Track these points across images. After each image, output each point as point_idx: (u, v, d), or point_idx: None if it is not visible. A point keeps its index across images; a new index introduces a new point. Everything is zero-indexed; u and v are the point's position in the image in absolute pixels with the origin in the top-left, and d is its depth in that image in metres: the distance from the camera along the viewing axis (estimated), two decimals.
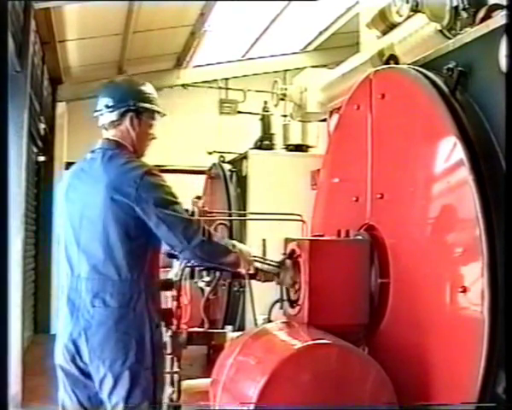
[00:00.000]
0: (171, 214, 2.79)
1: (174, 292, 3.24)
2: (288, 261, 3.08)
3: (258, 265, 3.06)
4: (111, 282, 2.80)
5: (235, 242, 3.05)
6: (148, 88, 3.08)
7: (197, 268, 3.27)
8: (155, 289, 2.93)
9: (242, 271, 3.05)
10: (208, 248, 2.84)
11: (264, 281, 3.36)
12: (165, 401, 3.13)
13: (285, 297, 3.13)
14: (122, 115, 2.96)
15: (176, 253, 3.01)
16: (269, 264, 3.10)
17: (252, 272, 3.05)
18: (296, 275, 3.02)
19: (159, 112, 3.08)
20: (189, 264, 3.10)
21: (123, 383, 2.76)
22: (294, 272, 3.04)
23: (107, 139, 2.98)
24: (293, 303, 3.03)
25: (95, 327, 2.79)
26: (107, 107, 2.97)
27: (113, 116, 2.97)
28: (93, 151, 2.99)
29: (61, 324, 2.92)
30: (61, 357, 2.89)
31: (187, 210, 2.96)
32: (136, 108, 2.97)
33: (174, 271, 3.29)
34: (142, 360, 2.78)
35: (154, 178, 2.85)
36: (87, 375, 2.85)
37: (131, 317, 2.79)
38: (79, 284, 2.85)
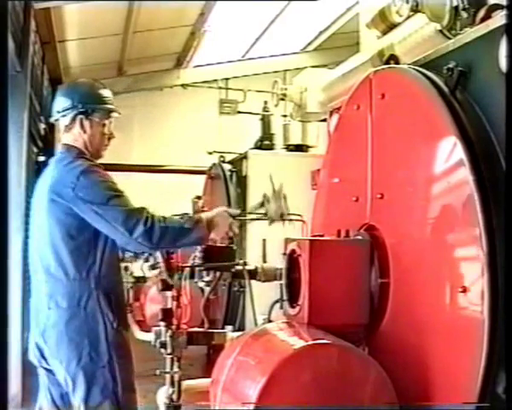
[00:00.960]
0: (109, 209, 2.78)
1: (174, 292, 3.24)
2: (268, 195, 3.06)
3: (236, 223, 3.04)
4: (61, 283, 2.83)
5: (202, 214, 3.00)
6: (96, 87, 3.08)
7: (197, 268, 3.27)
8: (111, 288, 2.91)
9: (217, 237, 3.02)
10: (154, 236, 2.78)
11: (265, 281, 3.36)
12: (165, 401, 3.13)
13: (285, 297, 3.13)
14: (73, 119, 2.98)
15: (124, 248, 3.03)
16: (254, 208, 3.04)
17: (234, 231, 3.03)
18: (283, 206, 2.99)
19: (110, 111, 3.06)
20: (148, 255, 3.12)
21: (80, 383, 2.79)
22: (279, 203, 3.00)
23: (62, 145, 3.03)
24: (292, 303, 3.03)
25: (50, 329, 2.83)
26: (58, 112, 3.01)
27: (66, 121, 3.00)
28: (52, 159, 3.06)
29: (31, 326, 2.99)
30: (32, 356, 2.97)
31: (126, 201, 2.87)
32: (85, 109, 2.97)
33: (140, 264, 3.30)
34: (96, 359, 2.79)
35: (91, 175, 2.85)
36: (56, 374, 2.91)
37: (82, 317, 2.81)
38: (39, 286, 2.91)
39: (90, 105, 2.98)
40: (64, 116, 3.00)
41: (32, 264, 3.00)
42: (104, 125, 3.04)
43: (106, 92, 3.08)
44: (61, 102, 3.02)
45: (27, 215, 7.41)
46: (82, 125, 2.98)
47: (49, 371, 2.93)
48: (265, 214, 3.03)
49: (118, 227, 2.77)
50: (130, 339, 3.06)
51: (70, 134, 3.01)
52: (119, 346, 2.87)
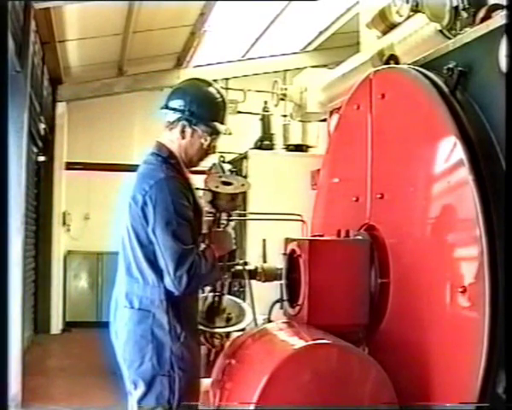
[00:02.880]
0: (164, 235, 2.70)
1: None
2: None
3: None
4: (137, 284, 2.80)
5: (203, 246, 2.91)
6: (214, 99, 2.90)
7: None
8: (182, 300, 2.79)
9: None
10: (188, 287, 2.72)
11: (265, 281, 3.36)
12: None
13: (285, 297, 3.13)
14: (178, 120, 2.86)
15: None
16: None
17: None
18: (233, 203, 3.02)
19: (215, 128, 2.89)
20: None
21: (138, 385, 2.77)
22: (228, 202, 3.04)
23: (157, 142, 2.92)
24: (292, 303, 3.03)
25: (122, 326, 2.84)
26: (166, 107, 2.90)
27: (171, 118, 2.88)
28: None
29: None
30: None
31: (185, 239, 2.76)
32: (191, 119, 2.83)
33: None
34: (157, 366, 2.74)
35: (165, 188, 2.73)
36: None
37: (150, 322, 2.76)
38: (118, 284, 2.92)
39: (197, 116, 2.83)
40: (170, 113, 2.88)
41: (119, 260, 2.96)
42: (207, 139, 2.89)
43: (222, 107, 2.92)
44: (174, 99, 2.89)
45: (27, 215, 7.40)
46: (183, 131, 2.85)
47: None
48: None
49: (165, 257, 2.71)
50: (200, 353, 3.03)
51: (169, 133, 2.89)
52: (184, 359, 2.78)
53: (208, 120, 2.87)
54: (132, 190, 2.82)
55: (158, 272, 2.77)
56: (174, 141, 2.88)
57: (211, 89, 2.96)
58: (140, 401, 2.76)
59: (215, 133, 2.91)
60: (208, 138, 2.89)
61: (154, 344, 2.75)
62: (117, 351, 2.90)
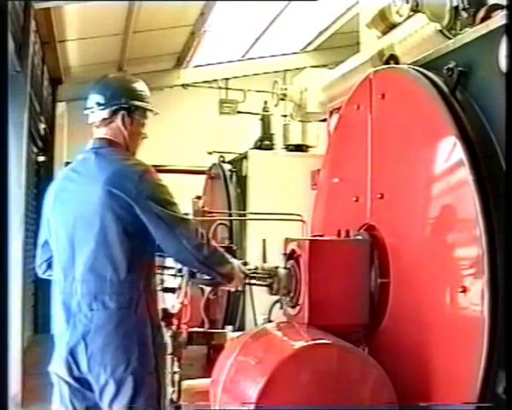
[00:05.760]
0: (171, 214, 2.72)
1: (179, 293, 3.22)
2: (281, 271, 3.01)
3: (249, 280, 3.00)
4: (109, 283, 2.68)
5: (229, 256, 2.95)
6: (140, 85, 3.01)
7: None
8: (154, 291, 2.85)
9: (232, 288, 2.99)
10: (207, 253, 2.75)
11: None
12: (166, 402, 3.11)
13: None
14: (114, 113, 2.89)
15: (170, 256, 2.94)
16: (261, 277, 3.02)
17: (240, 289, 3.00)
18: (290, 284, 2.98)
19: (151, 110, 3.00)
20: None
21: (126, 390, 2.64)
22: (288, 280, 2.98)
23: (99, 138, 2.91)
24: (293, 303, 3.03)
25: (93, 332, 2.67)
26: (99, 104, 2.90)
27: (105, 114, 2.89)
28: (85, 152, 2.91)
29: (57, 332, 2.81)
30: (57, 366, 2.79)
31: (186, 213, 2.90)
32: (129, 106, 2.91)
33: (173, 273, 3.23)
34: (145, 365, 2.68)
35: (153, 177, 2.79)
36: (85, 385, 2.73)
37: (132, 319, 2.68)
38: (74, 287, 2.73)
39: (134, 102, 2.91)
40: (103, 109, 2.89)
41: (60, 264, 2.82)
42: (143, 124, 2.98)
43: (147, 92, 3.02)
44: (101, 95, 2.90)
45: (27, 215, 7.41)
46: (123, 121, 2.89)
47: (78, 381, 2.73)
48: (271, 287, 3.02)
49: (177, 234, 2.70)
50: None
51: (108, 128, 2.90)
52: (162, 351, 2.79)
53: (143, 103, 2.96)
54: (105, 181, 2.70)
55: (138, 265, 2.72)
56: (118, 134, 2.91)
57: (128, 76, 3.19)
58: (129, 405, 2.64)
59: (147, 117, 3.00)
60: (144, 122, 2.98)
61: (140, 341, 2.67)
62: (82, 360, 2.68)
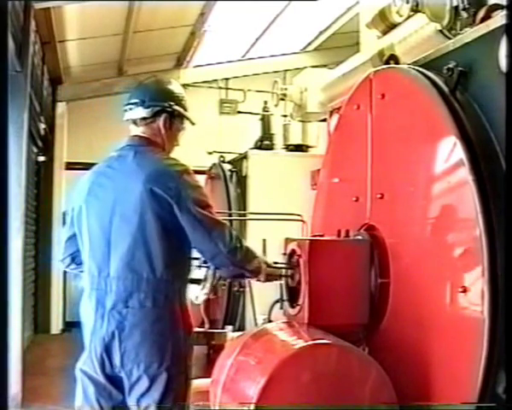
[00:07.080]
0: (208, 216, 2.72)
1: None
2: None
3: (269, 270, 2.96)
4: (146, 281, 2.68)
5: (254, 250, 2.95)
6: (184, 94, 3.04)
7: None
8: (186, 292, 2.82)
9: (261, 279, 2.96)
10: (241, 255, 2.76)
11: (265, 281, 3.36)
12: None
13: (285, 297, 3.13)
14: (156, 114, 2.89)
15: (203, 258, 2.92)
16: (282, 268, 3.03)
17: (262, 280, 2.97)
18: None
19: (190, 120, 3.04)
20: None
21: (158, 386, 2.65)
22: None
23: (138, 136, 2.90)
24: (293, 303, 3.03)
25: (128, 329, 2.66)
26: (143, 102, 2.89)
27: (146, 113, 2.89)
28: (121, 149, 2.89)
29: (88, 329, 2.78)
30: (88, 364, 2.77)
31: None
32: (172, 110, 2.92)
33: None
34: (177, 364, 2.68)
35: (193, 178, 2.80)
36: (114, 383, 2.73)
37: (167, 318, 2.69)
38: (109, 283, 2.73)
39: (177, 108, 2.95)
40: (146, 108, 2.89)
41: (94, 260, 2.79)
42: (180, 130, 3.01)
43: (188, 101, 3.06)
44: (146, 93, 2.92)
45: (27, 215, 7.40)
46: (165, 123, 2.91)
47: (108, 378, 2.72)
48: (292, 277, 3.05)
49: (214, 237, 2.70)
50: None
51: (147, 127, 2.90)
52: (191, 354, 2.77)
53: (186, 112, 3.00)
54: (146, 179, 2.69)
55: (174, 264, 2.72)
56: (157, 134, 2.91)
57: (176, 84, 3.15)
58: (159, 401, 2.64)
59: (184, 126, 3.04)
60: (181, 130, 3.02)
61: (173, 340, 2.68)
62: (116, 357, 2.68)
